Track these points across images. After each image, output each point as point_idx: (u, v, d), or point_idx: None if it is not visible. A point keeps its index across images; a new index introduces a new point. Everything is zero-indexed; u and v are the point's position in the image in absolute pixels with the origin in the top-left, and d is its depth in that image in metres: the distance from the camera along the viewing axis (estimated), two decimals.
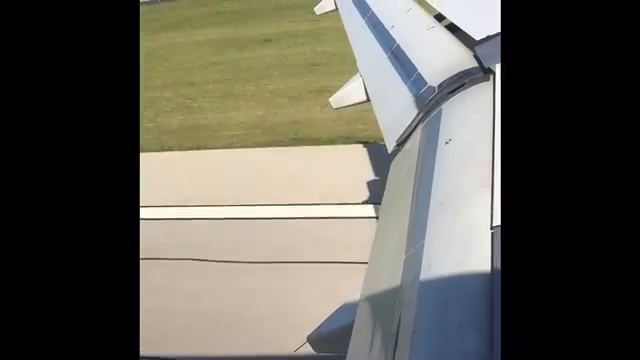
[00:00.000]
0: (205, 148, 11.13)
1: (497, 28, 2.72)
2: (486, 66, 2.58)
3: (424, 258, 1.83)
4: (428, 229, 1.95)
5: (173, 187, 9.59)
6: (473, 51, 2.84)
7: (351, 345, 1.81)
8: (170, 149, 11.30)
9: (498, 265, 1.63)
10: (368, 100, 3.69)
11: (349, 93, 4.39)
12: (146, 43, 17.11)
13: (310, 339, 2.28)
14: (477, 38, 2.78)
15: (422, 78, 2.86)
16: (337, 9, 6.31)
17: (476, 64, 2.67)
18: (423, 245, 1.89)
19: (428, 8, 4.06)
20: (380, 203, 2.43)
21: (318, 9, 7.20)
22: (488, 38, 2.73)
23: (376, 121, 2.97)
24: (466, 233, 1.84)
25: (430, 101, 2.63)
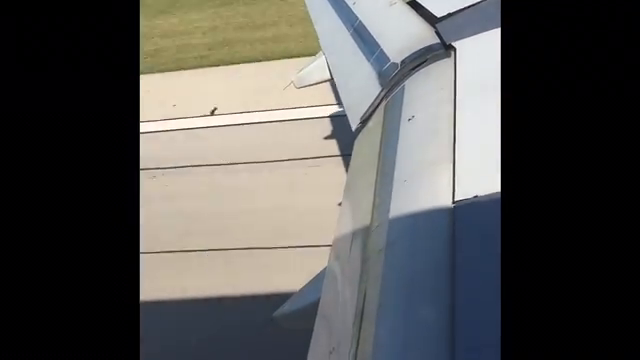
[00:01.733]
0: None
1: (458, 5, 2.74)
2: (447, 42, 2.59)
3: (388, 234, 1.85)
4: (392, 205, 1.96)
5: None
6: (435, 27, 2.85)
7: (317, 321, 1.83)
8: None
9: (460, 239, 1.65)
10: (332, 78, 3.68)
11: (312, 71, 4.36)
12: None
13: (276, 317, 2.29)
14: (438, 15, 2.79)
15: (384, 55, 2.86)
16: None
17: (437, 40, 2.68)
18: (387, 221, 1.91)
19: None
20: None
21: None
22: (449, 15, 2.74)
23: None
24: (429, 208, 1.86)
25: (393, 78, 2.64)
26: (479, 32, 2.50)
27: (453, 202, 1.80)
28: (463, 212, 1.76)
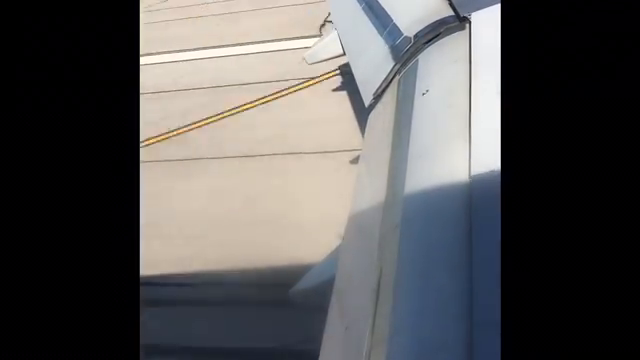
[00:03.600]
0: None
1: None
2: (462, 14, 2.55)
3: (403, 210, 1.83)
4: (407, 180, 1.95)
5: None
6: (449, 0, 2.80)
7: (333, 298, 1.82)
8: None
9: (477, 213, 1.64)
10: (344, 53, 3.64)
11: (324, 46, 4.33)
12: None
13: (292, 294, 2.29)
14: None
15: (397, 29, 2.82)
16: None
17: (452, 12, 2.64)
18: (402, 197, 1.89)
19: None
20: None
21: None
22: None
23: None
24: (445, 183, 1.84)
25: (406, 52, 2.60)
26: (494, 3, 2.46)
27: (469, 176, 1.78)
28: (480, 186, 1.74)
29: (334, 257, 2.05)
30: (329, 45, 4.19)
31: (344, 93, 6.67)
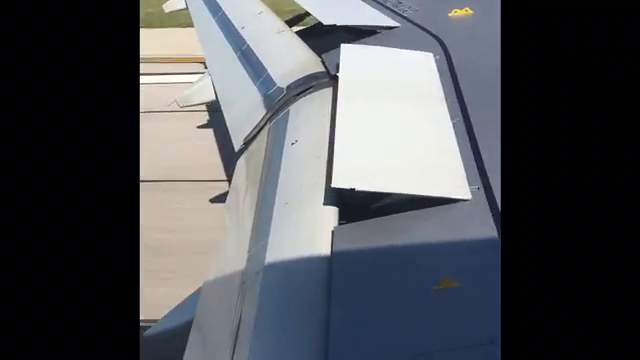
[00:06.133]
0: None
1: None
2: (332, 73, 2.67)
3: (267, 256, 1.85)
4: (272, 227, 1.97)
5: None
6: (320, 57, 2.92)
7: (189, 342, 1.78)
8: None
9: (337, 263, 1.68)
10: (216, 99, 3.65)
11: (197, 91, 4.31)
12: None
13: (147, 337, 2.21)
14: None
15: (271, 79, 2.89)
16: (187, 7, 6.18)
17: (323, 69, 2.75)
18: (267, 243, 1.91)
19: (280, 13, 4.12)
20: None
21: (167, 7, 7.01)
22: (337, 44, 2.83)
23: None
24: (308, 233, 1.88)
25: (278, 102, 2.67)
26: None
27: (332, 227, 1.83)
28: (341, 237, 1.80)
29: (192, 300, 2.01)
30: (201, 90, 4.17)
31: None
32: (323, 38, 3.61)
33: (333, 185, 1.86)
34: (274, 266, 1.82)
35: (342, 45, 2.73)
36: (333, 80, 2.61)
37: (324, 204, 1.94)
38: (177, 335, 1.97)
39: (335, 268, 1.67)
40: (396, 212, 1.83)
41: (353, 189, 1.84)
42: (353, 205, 1.96)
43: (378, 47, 2.90)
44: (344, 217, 1.92)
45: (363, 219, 1.86)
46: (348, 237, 1.80)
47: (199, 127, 6.71)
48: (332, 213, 1.91)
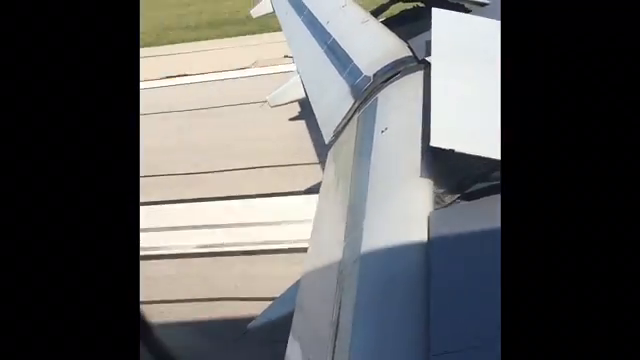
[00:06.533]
0: None
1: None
2: (420, 57, 2.62)
3: (363, 245, 1.84)
4: (366, 216, 1.96)
5: None
6: (407, 43, 2.88)
7: (292, 332, 1.80)
8: None
9: (435, 249, 1.65)
10: (306, 96, 3.69)
11: (286, 90, 4.38)
12: None
13: (250, 329, 2.26)
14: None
15: (357, 69, 2.87)
16: (274, 11, 6.30)
17: (410, 53, 2.71)
18: (362, 232, 1.90)
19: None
20: None
21: (254, 12, 7.18)
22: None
23: None
24: (403, 219, 1.86)
25: (365, 90, 2.65)
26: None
27: (428, 212, 1.80)
28: (438, 222, 1.76)
29: (292, 291, 2.03)
30: (291, 88, 4.24)
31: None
32: (408, 25, 3.57)
33: (432, 144, 1.82)
34: (370, 254, 1.81)
35: (433, 9, 2.66)
36: (421, 64, 2.57)
37: (418, 189, 1.91)
38: (279, 326, 2.00)
39: (433, 254, 1.64)
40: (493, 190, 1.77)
41: (452, 150, 1.79)
42: (447, 186, 1.91)
43: (468, 14, 2.83)
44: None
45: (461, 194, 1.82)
46: (445, 222, 1.76)
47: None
48: (427, 198, 1.88)
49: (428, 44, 2.56)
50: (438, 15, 2.64)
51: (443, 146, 1.80)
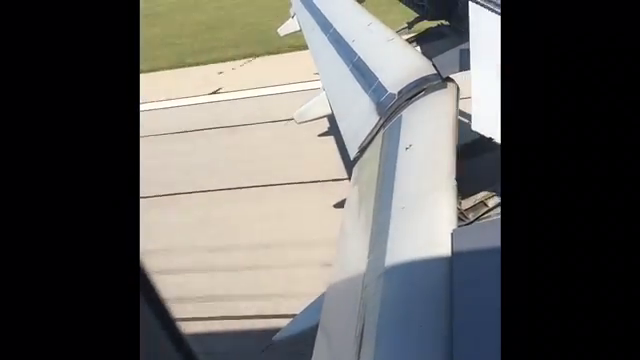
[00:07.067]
0: None
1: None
2: (444, 75, 2.64)
3: (387, 260, 1.86)
4: (390, 232, 1.98)
5: None
6: (431, 61, 2.90)
7: (316, 346, 1.82)
8: None
9: (458, 265, 1.66)
10: (331, 112, 3.73)
11: (312, 107, 4.42)
12: None
13: (275, 341, 2.28)
14: None
15: (382, 86, 2.90)
16: (301, 30, 6.36)
17: (434, 71, 2.73)
18: (386, 248, 1.92)
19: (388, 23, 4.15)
20: None
21: (282, 30, 7.25)
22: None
23: None
24: (427, 235, 1.87)
25: (390, 108, 2.68)
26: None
27: (451, 229, 1.81)
28: (461, 239, 1.77)
29: (318, 304, 2.05)
30: (317, 105, 4.27)
31: None
32: (433, 43, 3.59)
33: (473, 128, 1.83)
34: (394, 270, 1.82)
35: (470, 2, 2.66)
36: (445, 82, 2.59)
37: (441, 206, 1.93)
38: (304, 339, 2.02)
39: (456, 271, 1.65)
40: None
41: (491, 139, 1.80)
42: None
43: None
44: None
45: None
46: (468, 238, 1.77)
47: None
48: (450, 215, 1.89)
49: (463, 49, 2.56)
50: (474, 6, 2.63)
51: (483, 133, 1.82)
